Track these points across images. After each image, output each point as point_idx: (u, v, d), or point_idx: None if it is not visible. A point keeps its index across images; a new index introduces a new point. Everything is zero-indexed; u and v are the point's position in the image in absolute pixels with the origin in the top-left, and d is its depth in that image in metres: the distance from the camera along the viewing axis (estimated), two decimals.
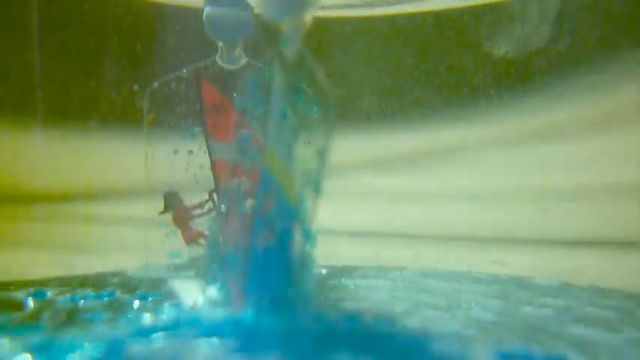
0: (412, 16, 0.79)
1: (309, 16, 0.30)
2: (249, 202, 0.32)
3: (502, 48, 0.72)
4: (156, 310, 0.38)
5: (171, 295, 0.45)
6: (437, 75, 0.79)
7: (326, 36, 0.80)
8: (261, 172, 0.32)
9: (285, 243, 0.32)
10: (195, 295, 0.40)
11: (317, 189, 0.33)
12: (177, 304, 0.40)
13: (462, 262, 0.67)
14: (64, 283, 0.53)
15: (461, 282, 0.53)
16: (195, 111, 0.60)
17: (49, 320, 0.36)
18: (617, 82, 0.69)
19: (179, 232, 0.60)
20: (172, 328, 0.30)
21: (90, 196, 0.77)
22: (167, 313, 0.34)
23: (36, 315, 0.39)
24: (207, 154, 0.60)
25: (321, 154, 0.33)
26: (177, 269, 0.58)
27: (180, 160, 0.59)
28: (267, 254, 0.31)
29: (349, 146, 0.78)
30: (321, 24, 0.80)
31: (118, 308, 0.41)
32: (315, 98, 0.32)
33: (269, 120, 0.32)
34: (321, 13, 0.80)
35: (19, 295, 0.45)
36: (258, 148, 0.61)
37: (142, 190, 0.58)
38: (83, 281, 0.54)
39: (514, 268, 0.59)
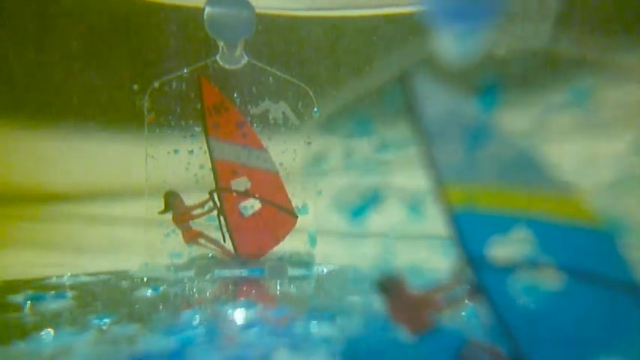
0: (413, 16, 0.79)
1: None
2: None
3: (502, 48, 0.72)
4: None
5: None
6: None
7: (327, 36, 0.80)
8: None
9: None
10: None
11: None
12: None
13: None
14: (66, 282, 0.53)
15: None
16: (196, 111, 0.60)
17: None
18: (617, 82, 0.69)
19: (179, 232, 0.60)
20: None
21: (90, 196, 0.77)
22: None
23: None
24: (208, 154, 0.60)
25: None
26: (177, 269, 0.58)
27: (181, 160, 0.59)
28: None
29: None
30: (321, 24, 0.81)
31: None
32: None
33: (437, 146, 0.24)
34: (321, 13, 0.80)
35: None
36: (258, 147, 0.62)
37: (142, 190, 0.58)
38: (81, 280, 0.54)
39: None
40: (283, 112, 0.61)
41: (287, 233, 0.62)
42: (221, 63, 0.59)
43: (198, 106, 0.59)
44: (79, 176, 0.77)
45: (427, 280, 0.26)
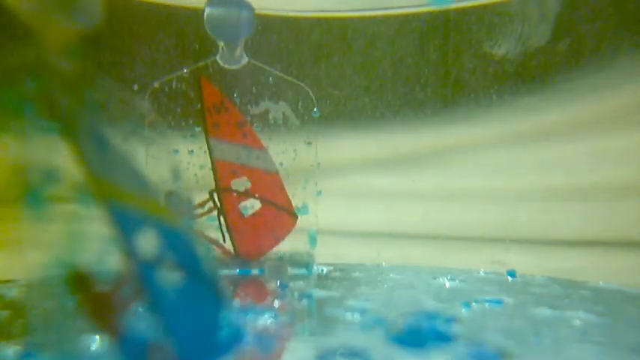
0: (412, 16, 0.79)
1: None
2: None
3: (502, 48, 0.72)
4: None
5: None
6: (437, 75, 0.79)
7: (325, 36, 0.80)
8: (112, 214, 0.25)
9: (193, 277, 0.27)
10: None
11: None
12: None
13: (461, 262, 0.67)
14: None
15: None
16: (196, 111, 0.60)
17: None
18: (617, 82, 0.69)
19: None
20: None
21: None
22: None
23: None
24: (208, 154, 0.60)
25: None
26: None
27: (181, 160, 0.59)
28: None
29: (349, 146, 0.78)
30: (321, 24, 0.81)
31: None
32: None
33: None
34: (321, 14, 0.80)
35: None
36: (258, 147, 0.62)
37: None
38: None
39: (514, 268, 0.59)
40: (283, 112, 0.61)
41: (287, 233, 0.62)
42: (221, 63, 0.59)
43: (198, 106, 0.60)
44: (79, 176, 0.77)
45: (107, 277, 0.26)
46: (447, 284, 0.55)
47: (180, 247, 0.27)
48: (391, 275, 0.61)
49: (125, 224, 0.25)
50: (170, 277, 0.26)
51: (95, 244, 0.26)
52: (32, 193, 0.26)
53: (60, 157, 0.26)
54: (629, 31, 0.69)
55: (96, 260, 0.26)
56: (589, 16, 0.71)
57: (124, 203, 0.26)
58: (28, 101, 0.25)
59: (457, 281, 0.56)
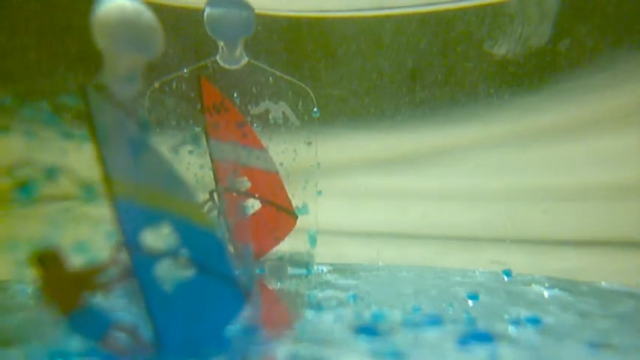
0: (412, 17, 0.79)
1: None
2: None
3: (502, 48, 0.72)
4: None
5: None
6: (437, 75, 0.79)
7: (325, 36, 0.80)
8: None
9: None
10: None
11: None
12: None
13: (461, 262, 0.67)
14: None
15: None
16: (196, 111, 0.60)
17: None
18: (617, 82, 0.69)
19: None
20: None
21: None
22: None
23: None
24: (208, 154, 0.60)
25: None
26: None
27: (181, 160, 0.59)
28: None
29: (349, 146, 0.78)
30: (321, 24, 0.81)
31: None
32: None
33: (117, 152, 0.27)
34: (321, 14, 0.80)
35: None
36: (258, 147, 0.61)
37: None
38: None
39: (514, 268, 0.59)
40: (283, 112, 0.61)
41: (287, 233, 0.62)
42: (221, 63, 0.59)
43: (198, 106, 0.59)
44: (81, 176, 0.77)
45: (90, 259, 0.28)
46: (546, 293, 0.51)
47: (201, 244, 0.29)
48: (457, 278, 0.57)
49: (136, 219, 0.27)
50: (177, 271, 0.28)
51: (83, 233, 0.28)
52: (25, 189, 0.29)
53: (73, 159, 0.28)
54: (629, 31, 0.69)
55: (75, 246, 0.28)
56: (589, 16, 0.71)
57: (143, 201, 0.28)
58: (57, 112, 0.28)
59: (557, 290, 0.51)
